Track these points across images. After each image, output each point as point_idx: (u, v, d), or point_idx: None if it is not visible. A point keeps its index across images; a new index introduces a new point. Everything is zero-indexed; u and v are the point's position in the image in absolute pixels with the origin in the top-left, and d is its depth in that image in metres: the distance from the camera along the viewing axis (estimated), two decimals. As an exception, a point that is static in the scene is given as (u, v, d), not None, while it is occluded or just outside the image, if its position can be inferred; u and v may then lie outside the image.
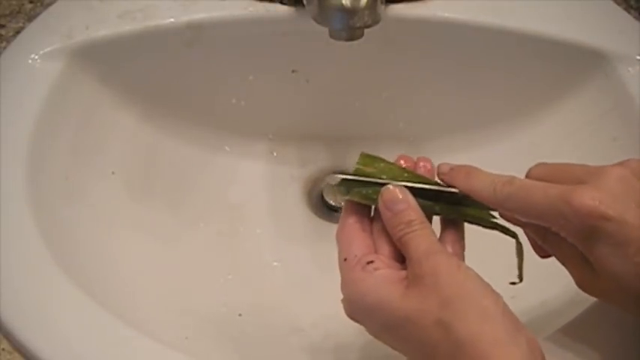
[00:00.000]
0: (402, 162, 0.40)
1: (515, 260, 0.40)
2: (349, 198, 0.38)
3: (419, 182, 0.39)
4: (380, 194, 0.37)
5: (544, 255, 0.39)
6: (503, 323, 0.31)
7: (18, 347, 0.38)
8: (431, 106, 0.60)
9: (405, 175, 0.39)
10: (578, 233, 0.34)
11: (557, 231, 0.35)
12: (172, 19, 0.52)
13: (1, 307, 0.38)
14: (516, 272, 0.40)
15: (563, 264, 0.37)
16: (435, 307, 0.32)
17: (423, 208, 0.37)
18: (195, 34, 0.53)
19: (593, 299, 0.41)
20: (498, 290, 0.33)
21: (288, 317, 0.51)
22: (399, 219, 0.36)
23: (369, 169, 0.39)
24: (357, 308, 0.36)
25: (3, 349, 0.40)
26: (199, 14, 0.53)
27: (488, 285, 0.33)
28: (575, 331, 0.41)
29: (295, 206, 0.59)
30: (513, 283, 0.39)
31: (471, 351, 0.30)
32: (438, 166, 0.40)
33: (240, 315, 0.50)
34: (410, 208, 0.36)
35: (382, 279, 0.34)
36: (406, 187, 0.38)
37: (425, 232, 0.36)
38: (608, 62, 0.53)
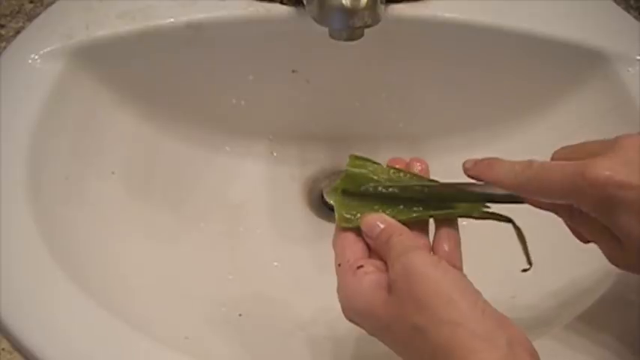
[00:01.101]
0: (394, 164, 0.41)
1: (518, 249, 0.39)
2: (336, 224, 0.39)
3: (406, 181, 0.40)
4: (360, 222, 0.38)
5: (583, 240, 0.39)
6: (482, 323, 0.31)
7: (18, 347, 0.38)
8: (431, 106, 0.60)
9: (392, 173, 0.41)
10: (597, 206, 0.34)
11: (578, 206, 0.35)
12: (172, 19, 0.52)
13: (1, 307, 0.38)
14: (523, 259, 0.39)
15: (595, 242, 0.37)
16: (411, 311, 0.32)
17: (413, 211, 0.39)
18: (195, 34, 0.53)
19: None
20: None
21: (288, 317, 0.51)
22: (380, 241, 0.37)
23: (358, 170, 0.41)
24: (350, 312, 0.36)
25: (3, 349, 0.40)
26: (199, 14, 0.53)
27: (467, 284, 0.33)
28: (585, 323, 0.41)
29: (295, 206, 0.59)
30: (525, 270, 0.39)
31: (447, 357, 0.30)
32: (463, 164, 0.40)
33: (240, 315, 0.50)
34: (388, 226, 0.37)
35: (369, 284, 0.35)
36: (394, 188, 0.39)
37: (402, 238, 0.36)
38: (608, 62, 0.53)
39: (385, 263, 0.36)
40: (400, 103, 0.61)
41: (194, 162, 0.58)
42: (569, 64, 0.55)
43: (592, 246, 0.40)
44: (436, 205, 0.40)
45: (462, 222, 0.40)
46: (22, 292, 0.39)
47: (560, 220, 0.39)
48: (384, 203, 0.40)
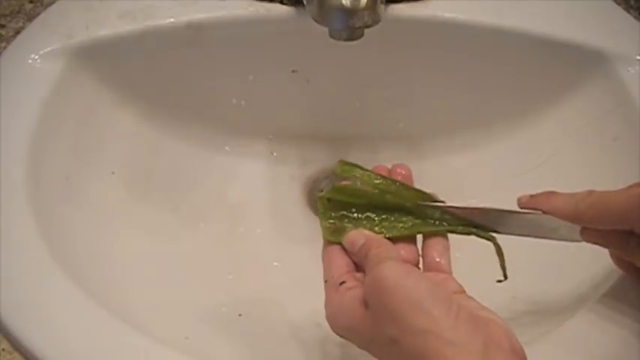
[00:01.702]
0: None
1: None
2: (323, 237, 0.40)
3: (392, 190, 0.41)
4: (343, 240, 0.39)
5: (632, 273, 0.39)
6: (454, 329, 0.30)
7: (18, 347, 0.38)
8: (431, 105, 0.60)
9: (377, 182, 0.41)
10: None
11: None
12: (172, 19, 0.52)
13: (1, 307, 0.38)
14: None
15: None
16: (385, 323, 0.32)
17: (399, 228, 0.40)
18: (195, 34, 0.53)
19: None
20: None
21: (288, 317, 0.51)
22: (360, 255, 0.37)
23: (347, 176, 0.42)
24: (336, 329, 0.36)
25: (3, 349, 0.40)
26: (199, 14, 0.53)
27: (440, 290, 0.33)
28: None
29: (295, 206, 0.59)
30: (500, 281, 0.40)
31: None
32: (518, 199, 0.41)
33: (240, 315, 0.50)
34: (367, 240, 0.38)
35: (350, 301, 0.35)
36: (379, 203, 0.40)
37: (379, 250, 0.36)
38: (608, 62, 0.53)
39: None
40: (400, 103, 0.60)
41: (194, 162, 0.58)
42: (569, 64, 0.55)
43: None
44: (420, 223, 0.40)
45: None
46: (22, 292, 0.39)
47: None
48: (370, 214, 0.41)
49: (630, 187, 0.36)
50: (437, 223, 0.40)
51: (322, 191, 0.41)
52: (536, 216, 0.40)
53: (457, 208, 0.41)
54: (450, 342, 0.30)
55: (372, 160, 0.57)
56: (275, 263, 0.55)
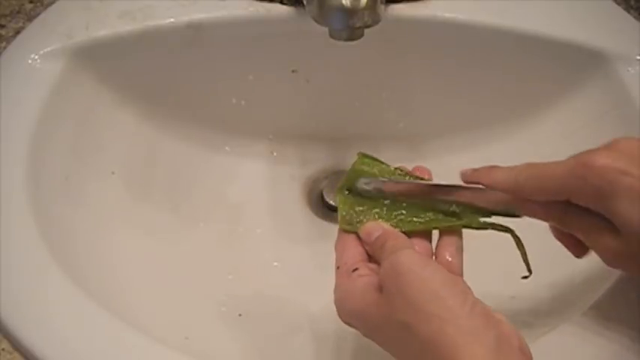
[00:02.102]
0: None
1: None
2: (339, 226, 0.41)
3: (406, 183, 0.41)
4: (360, 230, 0.39)
5: (579, 254, 0.39)
6: (469, 319, 0.31)
7: (18, 347, 0.38)
8: (431, 106, 0.60)
9: (397, 174, 0.42)
10: (597, 194, 0.34)
11: (576, 201, 0.36)
12: (172, 19, 0.52)
13: (1, 307, 0.38)
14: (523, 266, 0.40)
15: (589, 243, 0.37)
16: (399, 308, 0.32)
17: (415, 222, 0.40)
18: (195, 34, 0.53)
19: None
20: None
21: (288, 317, 0.51)
22: (376, 246, 0.38)
23: (366, 169, 0.42)
24: (343, 313, 0.37)
25: (3, 349, 0.40)
26: (199, 14, 0.53)
27: (457, 282, 0.33)
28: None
29: (295, 206, 0.59)
30: (525, 277, 0.39)
31: (434, 353, 0.31)
32: (461, 172, 0.41)
33: (240, 315, 0.50)
34: (384, 233, 0.38)
35: (362, 286, 0.35)
36: (399, 193, 0.40)
37: (396, 242, 0.37)
38: (608, 62, 0.53)
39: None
40: (400, 103, 0.60)
41: (194, 162, 0.58)
42: (570, 64, 0.55)
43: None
44: (437, 218, 0.40)
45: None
46: (22, 292, 0.39)
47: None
48: (387, 208, 0.41)
49: (568, 158, 0.36)
50: (454, 218, 0.40)
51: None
52: (479, 190, 0.40)
53: (396, 182, 0.41)
54: (465, 330, 0.30)
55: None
56: (275, 263, 0.55)
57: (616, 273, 0.42)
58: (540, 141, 0.57)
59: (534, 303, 0.47)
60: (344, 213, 0.41)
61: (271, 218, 0.58)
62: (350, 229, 0.40)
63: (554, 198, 0.37)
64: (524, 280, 0.40)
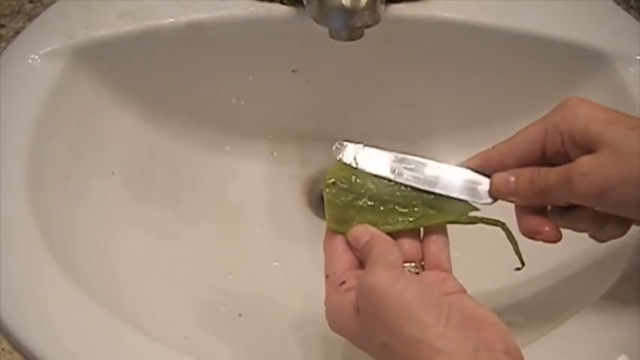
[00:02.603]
0: None
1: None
2: (327, 224, 0.40)
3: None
4: (347, 234, 0.39)
5: (554, 237, 0.39)
6: (444, 336, 0.31)
7: (18, 347, 0.38)
8: (431, 106, 0.60)
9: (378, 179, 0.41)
10: (569, 127, 0.36)
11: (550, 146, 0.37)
12: (172, 19, 0.52)
13: (1, 307, 0.38)
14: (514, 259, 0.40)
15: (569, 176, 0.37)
16: (377, 329, 0.32)
17: (400, 221, 0.39)
18: (195, 34, 0.53)
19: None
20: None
21: (287, 317, 0.51)
22: (363, 253, 0.37)
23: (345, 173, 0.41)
24: (333, 326, 0.37)
25: (3, 349, 0.40)
26: (199, 14, 0.53)
27: (431, 295, 0.32)
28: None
29: (295, 206, 0.59)
30: (518, 269, 0.39)
31: None
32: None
33: (240, 315, 0.50)
34: (372, 238, 0.37)
35: (348, 302, 0.35)
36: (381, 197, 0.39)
37: (380, 251, 0.36)
38: (608, 62, 0.53)
39: None
40: (400, 103, 0.60)
41: (194, 162, 0.58)
42: (570, 64, 0.55)
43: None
44: (423, 213, 0.40)
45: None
46: (22, 292, 0.39)
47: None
48: (375, 205, 0.40)
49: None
50: (442, 213, 0.40)
51: (329, 179, 0.40)
52: (455, 168, 0.40)
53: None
54: (440, 350, 0.30)
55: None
56: (275, 263, 0.55)
57: (615, 275, 0.42)
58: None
59: (534, 303, 0.47)
60: (333, 213, 0.40)
61: (271, 218, 0.58)
62: (338, 229, 0.39)
63: (528, 155, 0.38)
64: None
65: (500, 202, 0.39)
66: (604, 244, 0.39)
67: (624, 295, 0.41)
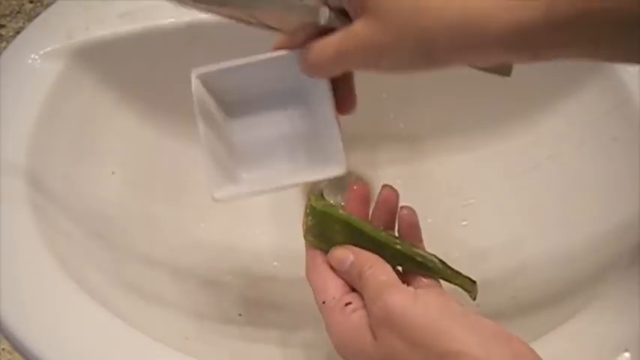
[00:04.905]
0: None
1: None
2: (306, 240, 0.39)
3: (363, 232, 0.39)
4: (329, 257, 0.38)
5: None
6: (482, 345, 0.30)
7: (18, 347, 0.38)
8: (431, 106, 0.60)
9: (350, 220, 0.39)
10: None
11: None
12: (172, 19, 0.52)
13: (1, 307, 0.38)
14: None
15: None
16: (404, 351, 0.31)
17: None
18: (195, 34, 0.53)
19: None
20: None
21: (288, 317, 0.51)
22: (351, 275, 0.36)
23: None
24: (343, 351, 0.35)
25: (3, 349, 0.40)
26: (199, 14, 0.53)
27: (450, 305, 0.32)
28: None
29: (295, 206, 0.59)
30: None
31: None
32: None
33: (240, 315, 0.50)
34: (357, 259, 0.36)
35: (357, 324, 0.34)
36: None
37: (373, 271, 0.35)
38: (608, 62, 0.53)
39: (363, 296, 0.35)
40: (400, 103, 0.60)
41: (194, 162, 0.58)
42: (569, 64, 0.54)
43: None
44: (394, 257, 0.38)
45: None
46: (22, 292, 0.40)
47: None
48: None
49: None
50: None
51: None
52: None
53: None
54: (479, 352, 0.30)
55: (372, 160, 0.58)
56: (275, 263, 0.55)
57: (615, 275, 0.42)
58: (540, 141, 0.57)
59: (534, 303, 0.47)
60: (309, 222, 0.39)
61: (271, 218, 0.58)
62: (314, 242, 0.39)
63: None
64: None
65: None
66: (604, 245, 0.39)
67: (627, 292, 0.41)
